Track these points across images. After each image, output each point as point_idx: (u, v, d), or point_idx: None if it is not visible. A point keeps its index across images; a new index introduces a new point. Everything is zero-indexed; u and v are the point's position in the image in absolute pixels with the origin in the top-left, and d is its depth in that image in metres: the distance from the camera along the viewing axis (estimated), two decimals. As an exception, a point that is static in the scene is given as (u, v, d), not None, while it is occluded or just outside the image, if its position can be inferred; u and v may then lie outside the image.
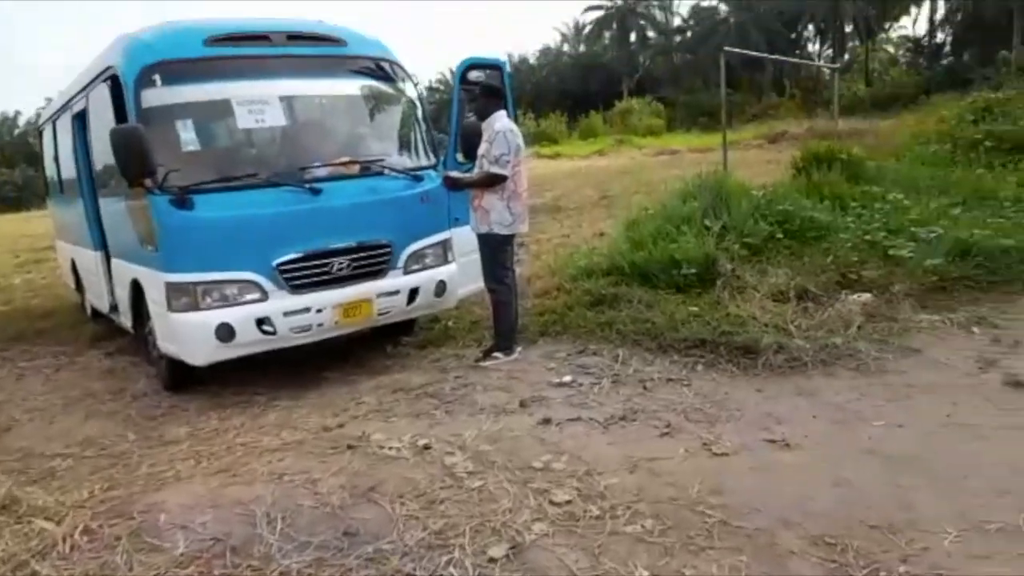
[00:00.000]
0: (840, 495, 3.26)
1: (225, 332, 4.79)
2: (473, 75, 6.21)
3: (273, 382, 5.46)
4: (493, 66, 6.34)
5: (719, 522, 3.08)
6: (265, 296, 4.90)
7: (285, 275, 4.93)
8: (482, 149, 5.32)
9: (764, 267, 6.48)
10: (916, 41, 52.12)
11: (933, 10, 48.34)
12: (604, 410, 4.33)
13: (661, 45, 59.59)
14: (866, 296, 5.93)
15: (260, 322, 4.87)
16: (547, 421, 4.18)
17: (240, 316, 4.82)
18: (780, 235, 6.90)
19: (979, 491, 3.20)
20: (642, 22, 59.85)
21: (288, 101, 5.50)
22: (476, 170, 5.39)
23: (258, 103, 5.23)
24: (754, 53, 30.27)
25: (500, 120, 5.29)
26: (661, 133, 39.36)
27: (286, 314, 4.93)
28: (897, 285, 6.07)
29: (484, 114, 5.39)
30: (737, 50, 23.21)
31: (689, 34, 57.34)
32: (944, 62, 45.94)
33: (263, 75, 5.35)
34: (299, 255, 4.97)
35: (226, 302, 4.83)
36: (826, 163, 8.80)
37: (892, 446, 3.72)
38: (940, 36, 49.54)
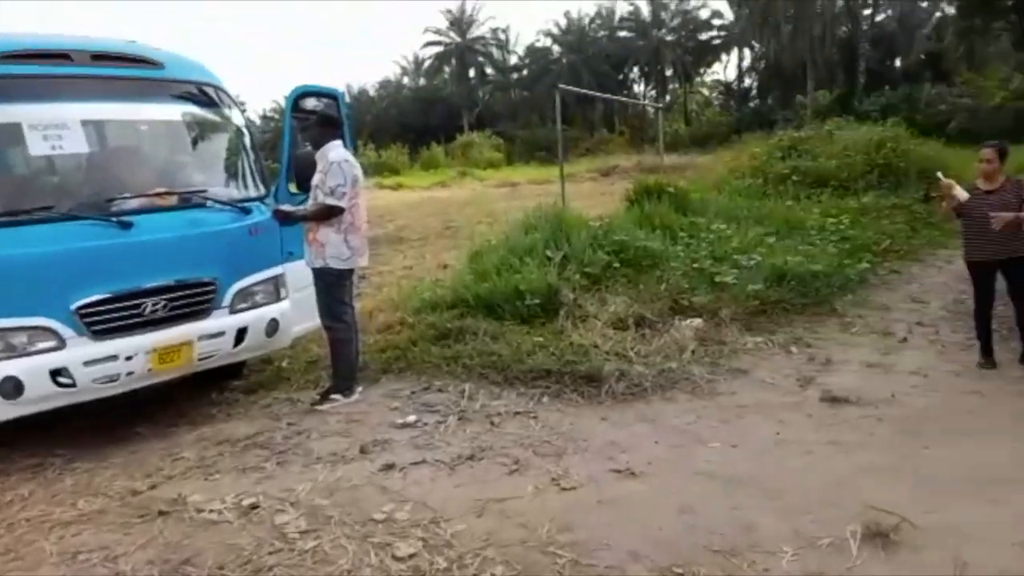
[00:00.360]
0: (685, 522, 3.28)
1: (11, 387, 4.11)
2: (310, 103, 5.92)
3: (74, 440, 4.77)
4: (328, 95, 6.08)
5: (570, 562, 2.98)
6: (62, 343, 4.27)
7: (87, 319, 4.34)
8: (316, 180, 5.03)
9: (604, 296, 6.62)
10: (727, 85, 57.31)
11: (740, 58, 53.51)
12: (451, 450, 4.15)
13: (499, 82, 61.32)
14: (697, 321, 6.20)
15: (56, 373, 4.23)
16: (390, 467, 3.93)
17: (30, 368, 4.16)
18: (617, 264, 7.11)
19: (810, 507, 3.34)
20: (480, 59, 61.34)
21: (93, 126, 4.91)
22: (310, 202, 5.09)
23: (54, 128, 4.61)
24: (586, 91, 31.82)
25: (335, 150, 5.03)
26: (501, 166, 40.27)
27: (88, 363, 4.32)
28: (724, 310, 6.41)
29: (319, 143, 5.12)
30: (570, 88, 24.27)
31: (525, 72, 59.47)
32: (751, 104, 50.75)
33: (62, 97, 4.75)
34: (104, 296, 4.39)
35: (12, 352, 4.16)
36: (656, 195, 9.26)
37: (729, 468, 3.83)
38: (747, 81, 54.84)
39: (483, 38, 61.11)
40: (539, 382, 5.17)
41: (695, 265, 7.10)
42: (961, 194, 5.28)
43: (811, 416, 4.56)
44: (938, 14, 41.20)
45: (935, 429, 4.21)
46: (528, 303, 6.26)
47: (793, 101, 41.16)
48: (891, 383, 5.00)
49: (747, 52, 52.28)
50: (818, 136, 12.55)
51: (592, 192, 18.03)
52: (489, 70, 62.16)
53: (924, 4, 42.51)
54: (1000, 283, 5.37)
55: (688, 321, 6.16)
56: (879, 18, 44.78)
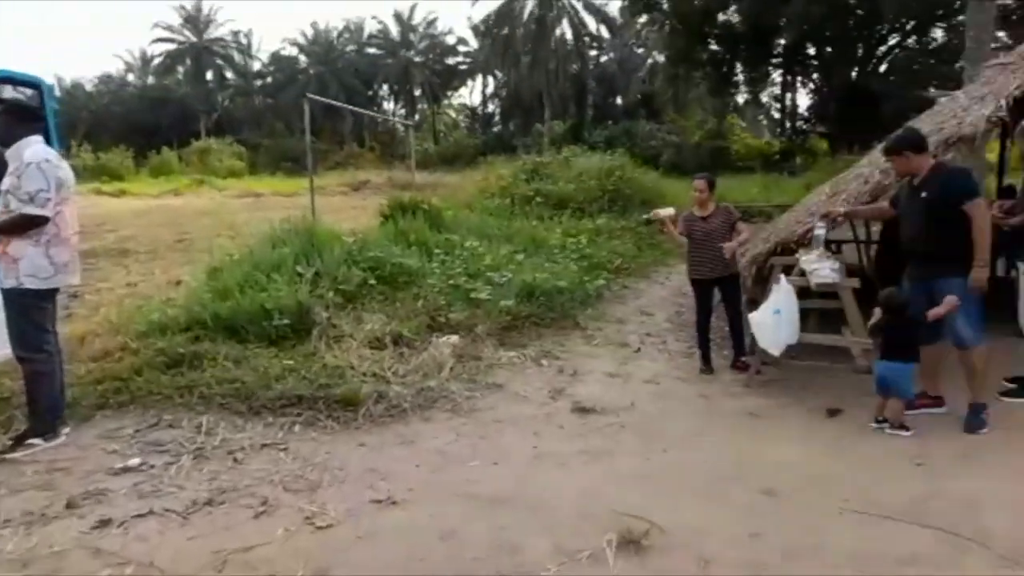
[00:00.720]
0: (448, 550, 3.15)
1: None
2: (6, 92, 4.94)
3: None
4: (30, 84, 5.13)
5: (328, 610, 2.70)
6: None
7: None
8: (7, 183, 4.16)
9: (360, 314, 6.35)
10: (473, 109, 59.80)
11: (485, 85, 56.19)
12: (184, 496, 3.62)
13: (241, 87, 57.82)
14: (454, 338, 6.19)
15: None
16: (106, 523, 3.31)
17: None
18: (373, 281, 6.88)
19: (567, 520, 3.40)
20: (219, 61, 57.39)
21: None
22: (0, 208, 4.20)
23: None
24: (335, 103, 31.12)
25: (32, 148, 4.21)
26: (243, 175, 37.80)
27: None
28: (480, 325, 6.48)
29: (9, 139, 4.25)
30: (319, 98, 23.50)
31: (270, 79, 56.79)
32: (495, 129, 53.44)
33: None
34: None
35: None
36: (410, 211, 9.19)
37: (491, 486, 3.79)
38: (491, 107, 57.66)
39: (222, 40, 57.32)
40: (290, 409, 4.77)
41: (451, 282, 7.11)
42: (667, 214, 6.02)
43: (563, 427, 4.72)
44: (650, 60, 46.74)
45: (671, 433, 4.56)
46: (276, 323, 5.79)
47: (532, 128, 44.02)
48: (630, 391, 5.37)
49: (491, 79, 55.03)
50: (557, 162, 13.48)
51: (343, 206, 17.55)
52: (229, 74, 58.39)
53: (639, 51, 47.98)
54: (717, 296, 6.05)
55: (446, 338, 6.12)
56: (603, 59, 49.65)
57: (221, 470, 3.94)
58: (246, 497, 3.63)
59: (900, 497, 3.47)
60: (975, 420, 4.28)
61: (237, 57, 58.16)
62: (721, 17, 27.98)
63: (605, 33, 47.70)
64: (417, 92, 55.59)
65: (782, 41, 25.84)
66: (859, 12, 24.01)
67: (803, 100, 36.27)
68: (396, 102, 57.95)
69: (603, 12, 44.97)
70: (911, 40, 26.06)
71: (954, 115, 5.59)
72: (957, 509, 3.29)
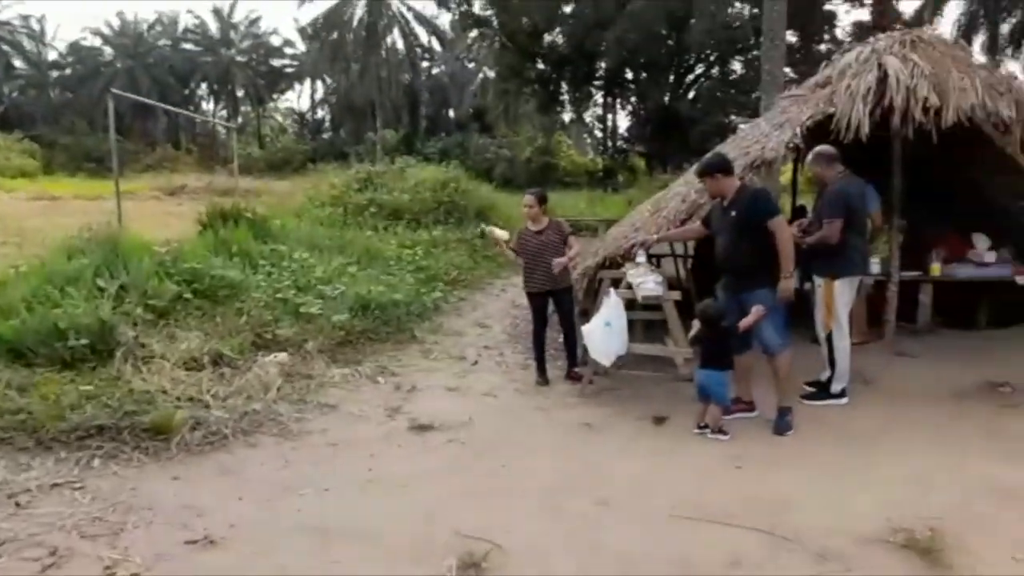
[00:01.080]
0: (278, 590, 2.91)
1: None
2: None
3: None
4: None
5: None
6: None
7: None
8: None
9: (173, 331, 5.82)
10: (301, 114, 57.64)
11: (314, 90, 54.36)
12: (-50, 553, 3.07)
13: (33, 78, 51.74)
14: (282, 355, 5.83)
15: None
16: None
17: None
18: (190, 295, 6.33)
19: (406, 547, 3.26)
20: (6, 47, 51.05)
21: None
22: None
23: None
24: (146, 100, 28.71)
25: None
26: (37, 176, 33.74)
27: None
28: (310, 342, 6.16)
29: None
30: (127, 94, 21.55)
31: (68, 71, 51.35)
32: (325, 135, 51.84)
33: None
34: None
35: None
36: (233, 220, 8.60)
37: (324, 516, 3.56)
38: (321, 113, 55.89)
39: (9, 24, 51.04)
40: (88, 442, 4.24)
41: (278, 295, 6.71)
42: (502, 237, 6.09)
43: (401, 447, 4.56)
44: (481, 75, 47.57)
45: (510, 448, 4.55)
46: (72, 344, 5.14)
47: (364, 136, 43.20)
48: (469, 406, 5.31)
49: (320, 84, 53.36)
50: (391, 171, 13.26)
51: (157, 213, 16.10)
52: (18, 63, 52.09)
53: (471, 65, 48.70)
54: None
55: (272, 356, 5.74)
56: (435, 71, 49.87)
57: (0, 518, 3.39)
58: (31, 548, 3.14)
59: (723, 500, 3.66)
60: (782, 422, 4.65)
61: (28, 44, 52.04)
62: (548, 38, 29.05)
63: (437, 45, 47.95)
64: (240, 93, 52.69)
65: (603, 64, 27.27)
66: (669, 42, 25.92)
67: (624, 121, 38.61)
68: (216, 103, 54.55)
69: (434, 24, 45.15)
70: (714, 71, 28.53)
71: (757, 140, 6.10)
72: (774, 509, 3.52)
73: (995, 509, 3.51)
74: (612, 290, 5.42)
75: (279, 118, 59.22)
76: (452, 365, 6.39)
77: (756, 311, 4.52)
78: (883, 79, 5.40)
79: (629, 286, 5.53)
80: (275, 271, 7.42)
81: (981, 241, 6.71)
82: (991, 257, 6.61)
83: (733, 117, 25.80)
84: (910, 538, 3.11)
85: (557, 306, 6.07)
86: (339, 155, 37.52)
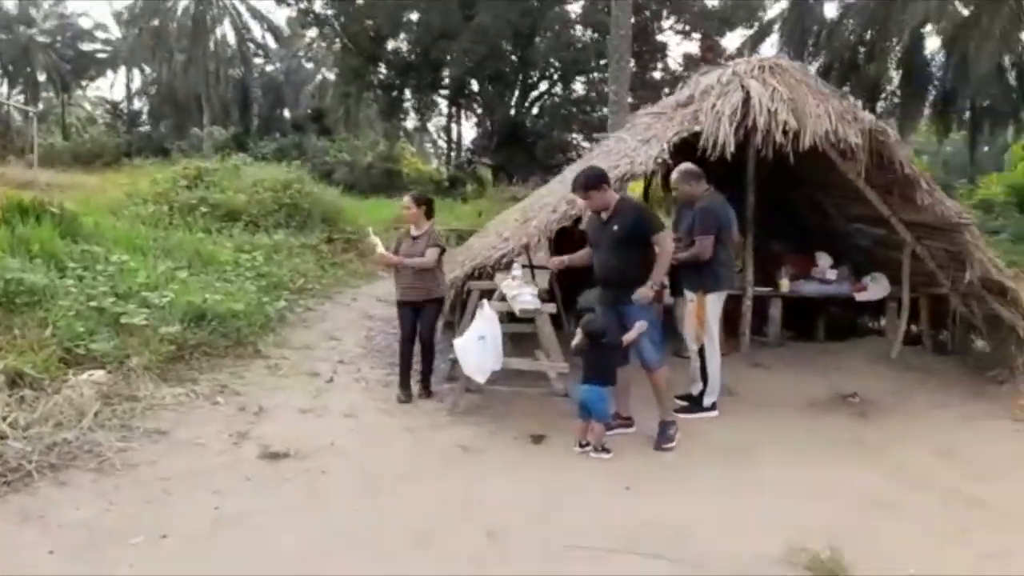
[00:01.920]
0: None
1: None
2: None
3: None
4: None
5: None
6: None
7: None
8: None
9: (-45, 347, 4.76)
10: (115, 105, 52.47)
11: (130, 79, 49.66)
12: None
13: None
14: (100, 374, 4.95)
15: None
16: None
17: None
18: (-23, 302, 5.24)
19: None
20: None
21: None
22: None
23: None
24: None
25: None
26: None
27: None
28: (135, 357, 5.30)
29: None
30: None
31: None
32: (143, 129, 47.51)
33: None
34: None
35: None
36: (35, 216, 7.36)
37: (161, 568, 2.95)
38: (138, 104, 51.17)
39: None
40: None
41: (93, 304, 5.73)
42: (380, 249, 5.68)
43: (251, 479, 3.98)
44: (320, 76, 45.84)
45: (380, 475, 4.10)
46: None
47: (189, 132, 40.05)
48: (328, 429, 4.78)
49: (137, 74, 48.90)
50: (225, 169, 12.15)
51: (-71, 205, 13.75)
52: None
53: (309, 65, 46.78)
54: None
55: (87, 375, 4.85)
56: (269, 68, 47.39)
57: None
58: None
59: (619, 526, 3.46)
60: (664, 437, 4.56)
61: None
62: (392, 43, 28.48)
63: (272, 42, 45.58)
64: (42, 78, 47.05)
65: (449, 74, 27.15)
66: (513, 58, 26.31)
67: (470, 132, 38.66)
68: (12, 86, 48.35)
69: (269, 20, 42.82)
70: (557, 88, 29.34)
71: (625, 155, 6.08)
72: (674, 534, 3.36)
73: (880, 522, 3.58)
74: (486, 303, 5.12)
75: (88, 107, 53.58)
76: (304, 382, 5.78)
77: (639, 326, 4.42)
78: (746, 100, 5.55)
79: (503, 298, 5.26)
80: (88, 275, 6.37)
81: (823, 259, 7.16)
82: (833, 274, 7.06)
83: (576, 135, 26.63)
84: (814, 559, 3.06)
85: (420, 318, 5.67)
86: (159, 150, 34.47)
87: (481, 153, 29.96)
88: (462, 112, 33.47)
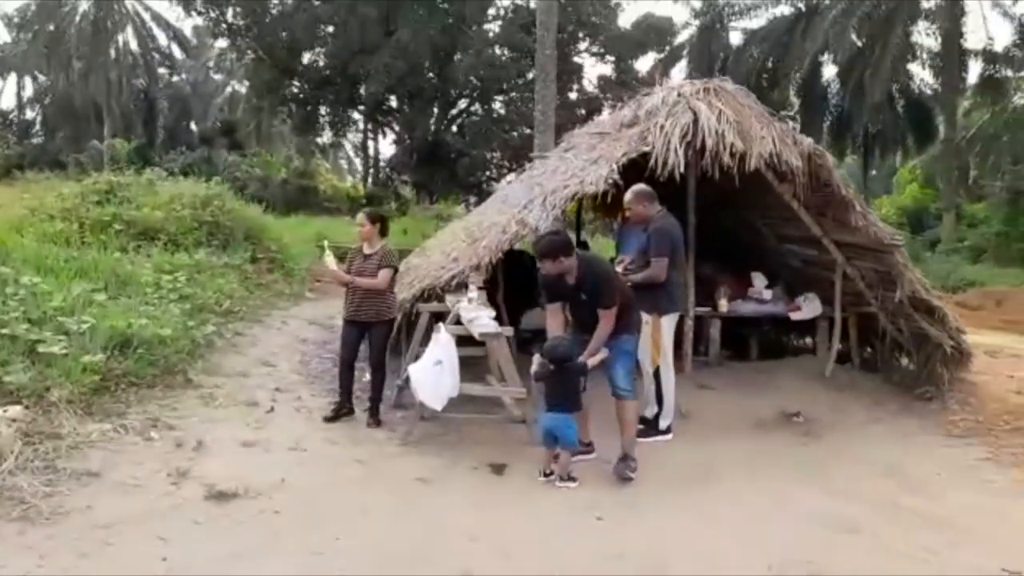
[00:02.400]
0: None
1: None
2: None
3: None
4: None
5: None
6: None
7: None
8: None
9: None
10: (5, 114, 49.04)
11: (21, 87, 46.57)
12: None
13: None
14: (16, 409, 4.48)
15: None
16: None
17: None
18: None
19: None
20: None
21: None
22: None
23: None
24: None
25: None
26: None
27: None
28: (55, 390, 4.84)
29: None
30: None
31: None
32: (36, 140, 44.62)
33: None
34: None
35: None
36: (-73, 232, 6.69)
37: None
38: (31, 114, 48.02)
39: None
40: None
41: (5, 331, 5.22)
42: (334, 265, 5.43)
43: (200, 523, 3.68)
44: (230, 88, 44.34)
45: (338, 513, 3.88)
46: None
47: (87, 144, 37.85)
48: (276, 464, 4.50)
49: (29, 81, 45.93)
50: (139, 184, 11.45)
51: None
52: None
53: (218, 77, 45.20)
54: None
55: (2, 411, 4.40)
56: (175, 79, 45.51)
57: None
58: None
59: (596, 560, 3.38)
60: (625, 466, 4.45)
61: None
62: (308, 56, 27.84)
63: (178, 52, 43.79)
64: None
65: (367, 89, 26.74)
66: (430, 75, 26.21)
67: (388, 149, 38.15)
68: None
69: (175, 28, 41.10)
70: (476, 107, 29.36)
71: (574, 175, 6.07)
72: (654, 567, 3.30)
73: (851, 547, 3.63)
74: (443, 326, 4.96)
75: (-29, 115, 49.88)
76: (243, 413, 5.44)
77: (602, 353, 4.36)
78: (695, 122, 5.64)
79: (457, 321, 5.12)
80: (-6, 300, 5.82)
81: (759, 280, 7.35)
82: (768, 295, 7.26)
83: (496, 153, 26.70)
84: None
85: (370, 340, 5.47)
86: (54, 163, 32.46)
87: (401, 170, 29.61)
88: (380, 128, 33.04)
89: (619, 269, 5.40)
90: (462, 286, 5.70)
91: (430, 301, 5.75)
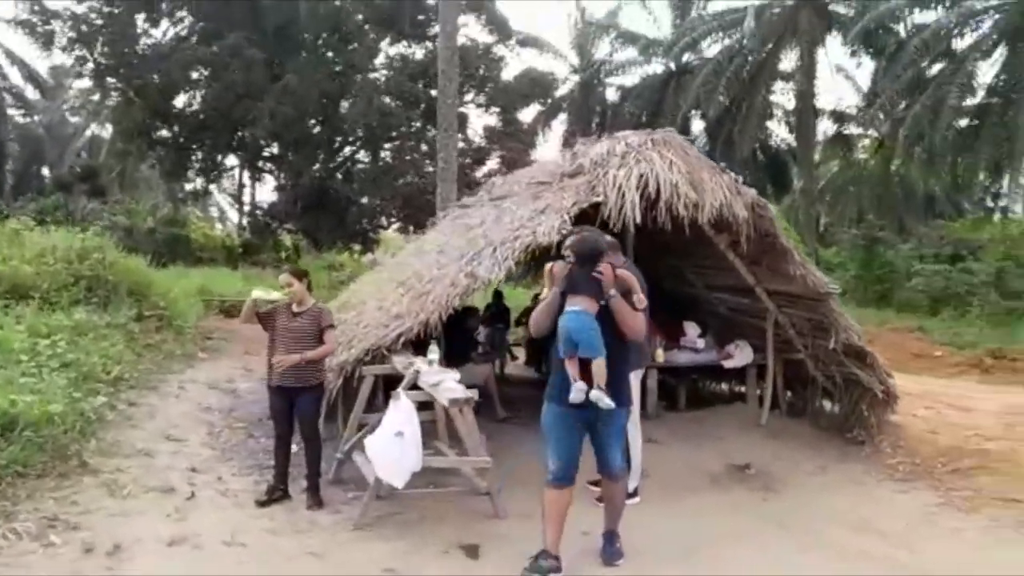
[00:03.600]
0: None
1: None
2: None
3: None
4: None
5: None
6: None
7: None
8: None
9: None
10: None
11: None
12: None
13: None
14: None
15: None
16: None
17: None
18: None
19: None
20: None
21: None
22: None
23: None
24: None
25: None
26: None
27: None
28: (-78, 491, 3.96)
29: None
30: None
31: None
32: None
33: None
34: None
35: None
36: None
37: None
38: None
39: None
40: None
41: None
42: (263, 297, 5.03)
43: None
44: (90, 131, 41.34)
45: (306, 623, 3.30)
46: None
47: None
48: (213, 566, 3.84)
49: None
50: (3, 234, 10.09)
51: None
52: None
53: (75, 120, 42.04)
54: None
55: None
56: (26, 121, 41.94)
57: None
58: None
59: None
60: (612, 550, 4.03)
61: None
62: (183, 99, 26.41)
63: (32, 93, 40.40)
64: None
65: (249, 134, 25.59)
66: (313, 121, 25.50)
67: (268, 195, 36.52)
68: None
69: (30, 67, 37.93)
70: (362, 154, 28.78)
71: (523, 225, 5.81)
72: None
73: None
74: (402, 393, 4.49)
75: None
76: (158, 502, 4.69)
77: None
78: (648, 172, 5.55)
79: (414, 386, 4.66)
80: None
81: (692, 328, 7.33)
82: (701, 343, 7.24)
83: (385, 201, 26.16)
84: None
85: (299, 409, 4.90)
86: None
87: (283, 218, 28.32)
88: (258, 175, 31.68)
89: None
90: (409, 344, 5.27)
91: (374, 363, 5.24)
